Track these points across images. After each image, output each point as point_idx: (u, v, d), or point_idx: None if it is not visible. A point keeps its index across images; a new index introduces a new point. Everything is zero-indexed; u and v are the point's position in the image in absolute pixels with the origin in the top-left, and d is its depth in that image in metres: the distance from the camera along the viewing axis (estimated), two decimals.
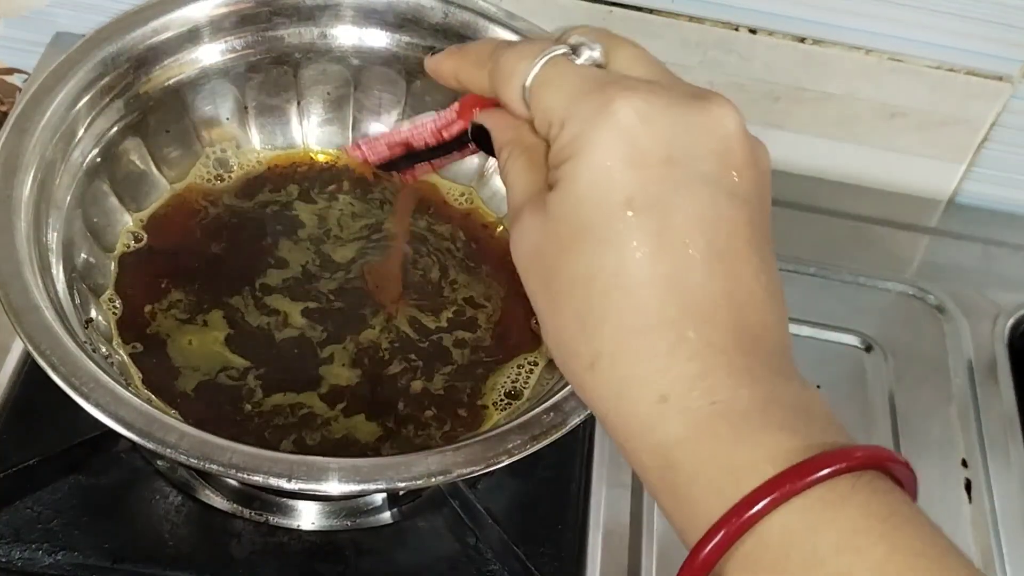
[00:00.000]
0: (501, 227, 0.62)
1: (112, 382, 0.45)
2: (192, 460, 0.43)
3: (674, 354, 0.34)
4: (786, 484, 0.32)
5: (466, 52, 0.42)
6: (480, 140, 0.42)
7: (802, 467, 0.32)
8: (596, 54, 0.38)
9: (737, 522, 0.32)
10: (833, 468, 0.32)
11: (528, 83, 0.37)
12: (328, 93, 0.64)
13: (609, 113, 0.34)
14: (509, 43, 0.40)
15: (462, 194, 0.63)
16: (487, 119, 0.41)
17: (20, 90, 0.80)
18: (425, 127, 0.46)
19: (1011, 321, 0.72)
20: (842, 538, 0.31)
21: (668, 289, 0.34)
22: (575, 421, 0.47)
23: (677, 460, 0.34)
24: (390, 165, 0.48)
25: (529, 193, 0.37)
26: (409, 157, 0.47)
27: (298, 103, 0.64)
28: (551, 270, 0.36)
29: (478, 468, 0.45)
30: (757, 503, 0.32)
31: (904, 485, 0.34)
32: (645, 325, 0.34)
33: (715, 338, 0.34)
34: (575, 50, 0.38)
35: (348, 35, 0.63)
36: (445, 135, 0.45)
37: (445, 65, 0.42)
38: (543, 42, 0.38)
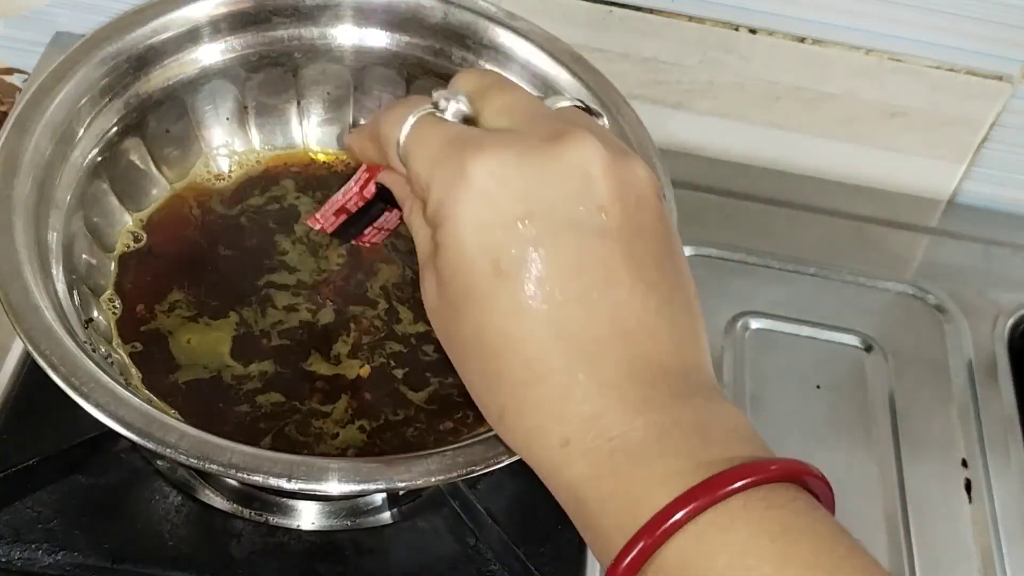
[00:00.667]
0: None
1: (112, 382, 0.45)
2: (192, 460, 0.43)
3: (568, 399, 0.35)
4: (696, 499, 0.32)
5: (361, 128, 0.44)
6: (388, 198, 0.44)
7: (691, 493, 0.32)
8: (462, 106, 0.39)
9: (629, 557, 0.33)
10: (726, 489, 0.32)
11: (400, 146, 0.39)
12: (328, 93, 0.64)
13: (464, 180, 0.35)
14: (389, 107, 0.41)
15: None
16: (386, 177, 0.43)
17: (20, 90, 0.80)
18: (351, 190, 0.48)
19: (1011, 321, 0.72)
20: (733, 559, 0.32)
21: (551, 339, 0.35)
22: None
23: (585, 498, 0.35)
24: (342, 232, 0.50)
25: (429, 251, 0.39)
26: (353, 221, 0.49)
27: (298, 103, 0.64)
28: (449, 331, 0.38)
29: (478, 468, 0.45)
30: (643, 538, 0.33)
31: (820, 497, 0.34)
32: (535, 377, 0.35)
33: (607, 376, 0.35)
34: (438, 106, 0.39)
35: (348, 35, 0.63)
36: (366, 195, 0.47)
37: (352, 142, 0.44)
38: (414, 102, 0.40)
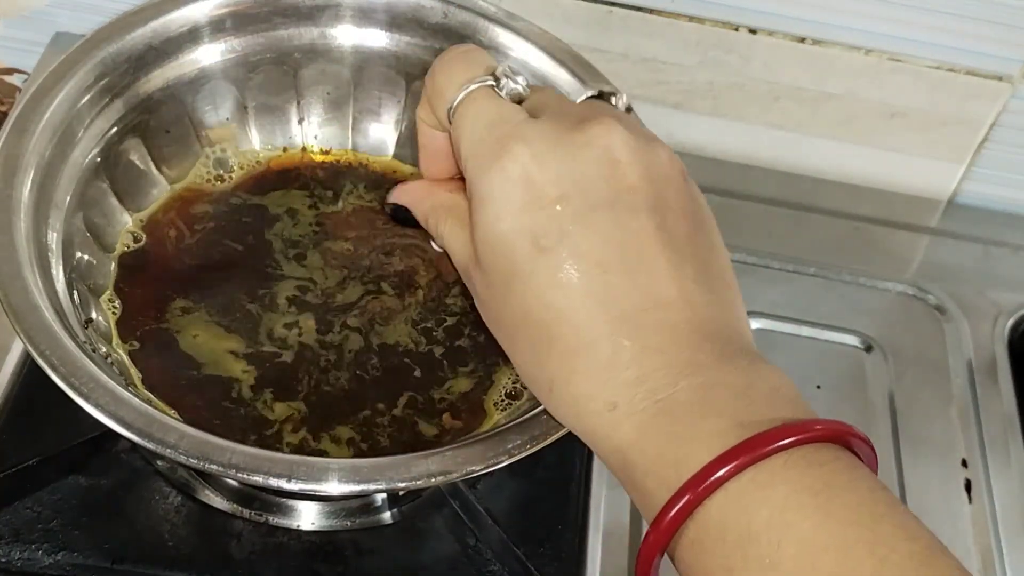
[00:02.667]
0: None
1: (112, 382, 0.45)
2: (192, 460, 0.43)
3: (613, 365, 0.36)
4: (739, 456, 0.33)
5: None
6: (401, 218, 0.44)
7: (733, 451, 0.33)
8: (519, 88, 0.41)
9: (671, 513, 0.34)
10: (768, 448, 0.33)
11: (452, 108, 0.41)
12: (328, 93, 0.64)
13: (501, 166, 0.38)
14: (450, 58, 0.43)
15: None
16: (402, 196, 0.46)
17: (20, 90, 0.80)
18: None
19: (1011, 321, 0.72)
20: (773, 514, 0.32)
21: (594, 308, 0.37)
22: None
23: (632, 460, 0.36)
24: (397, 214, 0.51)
25: (467, 252, 0.41)
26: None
27: (298, 103, 0.64)
28: (499, 314, 0.39)
29: (478, 468, 0.45)
30: (685, 493, 0.34)
31: (863, 459, 0.35)
32: (582, 345, 0.37)
33: (650, 341, 0.36)
34: (498, 81, 0.41)
35: (348, 35, 0.63)
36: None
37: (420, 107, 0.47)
38: (475, 62, 0.42)
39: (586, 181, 0.37)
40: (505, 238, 0.38)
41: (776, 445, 0.33)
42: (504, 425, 0.48)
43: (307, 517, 0.55)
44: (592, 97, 0.44)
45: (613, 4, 0.71)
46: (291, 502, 0.55)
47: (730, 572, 0.33)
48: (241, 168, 0.63)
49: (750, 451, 0.33)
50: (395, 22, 0.62)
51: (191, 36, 0.59)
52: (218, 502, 0.55)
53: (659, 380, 0.36)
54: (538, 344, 0.38)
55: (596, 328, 0.36)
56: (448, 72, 0.42)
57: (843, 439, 0.34)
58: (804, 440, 0.33)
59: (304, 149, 0.64)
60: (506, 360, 0.57)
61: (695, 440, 0.35)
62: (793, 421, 0.34)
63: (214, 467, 0.43)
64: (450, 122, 0.41)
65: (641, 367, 0.36)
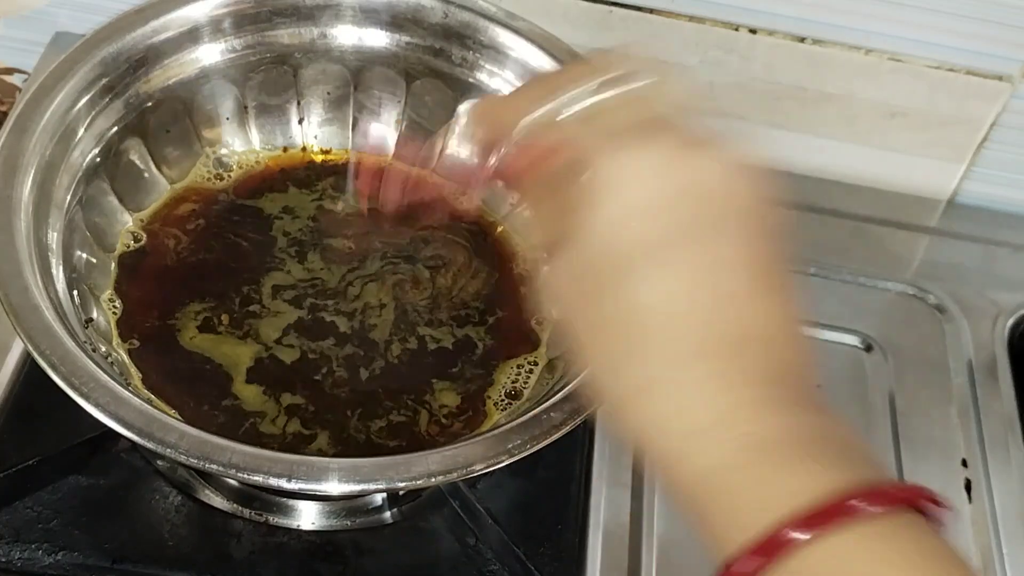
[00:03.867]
0: (501, 228, 0.62)
1: (112, 382, 0.45)
2: (192, 460, 0.43)
3: (709, 386, 0.35)
4: (823, 518, 0.32)
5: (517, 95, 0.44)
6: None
7: (839, 503, 0.32)
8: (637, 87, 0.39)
9: (763, 556, 0.33)
10: (871, 505, 0.32)
11: (573, 114, 0.39)
12: (328, 93, 0.64)
13: (622, 164, 0.36)
14: (566, 66, 0.41)
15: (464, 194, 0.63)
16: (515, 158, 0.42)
17: (20, 90, 0.80)
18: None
19: (1011, 321, 0.72)
20: (872, 569, 0.32)
21: (696, 326, 0.35)
22: (575, 421, 0.47)
23: (713, 489, 0.35)
24: None
25: (558, 231, 0.38)
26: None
27: (298, 103, 0.64)
28: (588, 307, 0.37)
29: (478, 468, 0.45)
30: (790, 534, 0.32)
31: (936, 517, 0.35)
32: (681, 358, 0.35)
33: (747, 371, 0.35)
34: (617, 81, 0.39)
35: (348, 35, 0.63)
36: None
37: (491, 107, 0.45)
38: (592, 69, 0.40)
39: (707, 197, 0.37)
40: (620, 234, 0.36)
41: (862, 510, 0.33)
42: (504, 425, 0.48)
43: (307, 517, 0.55)
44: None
45: (613, 4, 0.71)
46: (291, 502, 0.55)
47: None
48: (241, 168, 0.63)
49: (837, 515, 0.32)
50: (395, 22, 0.62)
51: (191, 36, 0.59)
52: (218, 502, 0.55)
53: (750, 413, 0.35)
54: (630, 346, 0.36)
55: (693, 346, 0.35)
56: (569, 72, 0.41)
57: (917, 503, 0.34)
58: (887, 506, 0.33)
59: (304, 149, 0.64)
60: (507, 358, 0.57)
61: (793, 480, 0.34)
62: (876, 483, 0.34)
63: (214, 467, 0.43)
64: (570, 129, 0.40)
65: (733, 396, 0.35)
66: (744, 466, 0.34)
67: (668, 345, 0.36)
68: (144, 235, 0.59)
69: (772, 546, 0.33)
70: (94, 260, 0.56)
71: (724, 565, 0.34)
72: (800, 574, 0.33)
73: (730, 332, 0.36)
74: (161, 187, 0.60)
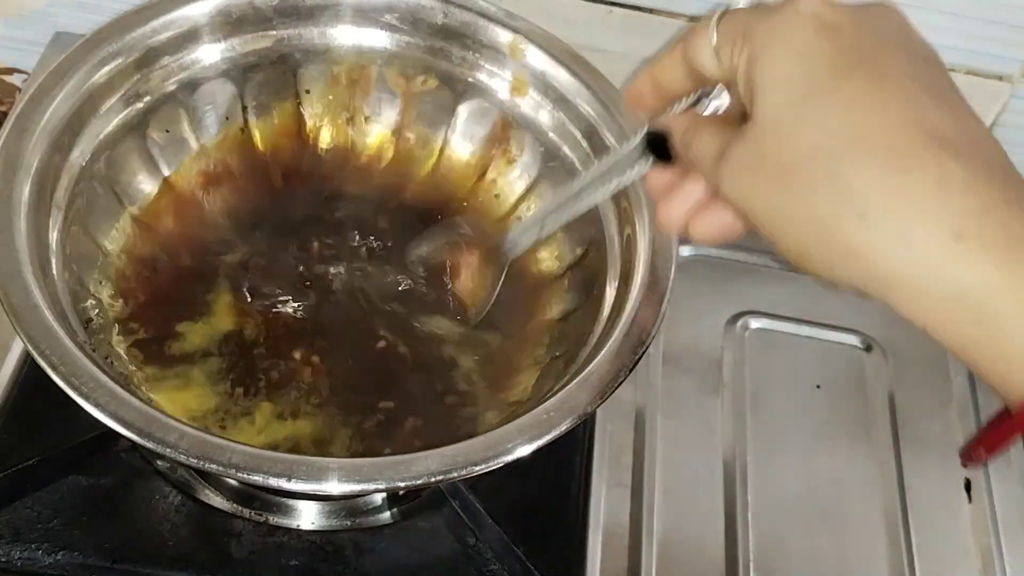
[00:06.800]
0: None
1: (112, 382, 0.45)
2: (192, 460, 0.43)
3: (947, 187, 0.32)
4: None
5: (654, 61, 0.43)
6: (656, 148, 0.43)
7: None
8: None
9: None
10: None
11: (712, 34, 0.38)
12: (328, 93, 0.64)
13: (792, 8, 0.36)
14: (676, 44, 0.41)
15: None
16: (661, 123, 0.43)
17: (20, 90, 0.80)
18: None
19: None
20: None
21: (911, 126, 0.33)
22: (575, 421, 0.47)
23: (996, 307, 0.32)
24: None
25: (722, 144, 0.38)
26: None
27: (298, 103, 0.64)
28: (781, 159, 0.35)
29: (478, 468, 0.45)
30: None
31: None
32: (904, 163, 0.33)
33: (976, 170, 0.33)
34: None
35: (348, 35, 0.63)
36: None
37: (639, 83, 0.43)
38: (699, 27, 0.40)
39: (878, 25, 0.36)
40: (803, 60, 0.35)
41: None
42: (504, 425, 0.48)
43: (307, 517, 0.55)
44: None
45: (613, 4, 0.71)
46: (291, 502, 0.55)
47: None
48: (241, 167, 0.63)
49: None
50: (395, 22, 0.62)
51: (191, 36, 0.59)
52: (218, 502, 0.55)
53: (1007, 214, 0.31)
54: (843, 167, 0.33)
55: (916, 147, 0.32)
56: (698, 26, 0.40)
57: None
58: None
59: (304, 148, 0.64)
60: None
61: None
62: None
63: (214, 466, 0.43)
64: (716, 54, 0.39)
65: (980, 196, 0.32)
66: (1008, 282, 0.31)
67: (874, 160, 0.33)
68: (144, 234, 0.59)
69: None
70: (94, 259, 0.56)
71: (1015, 410, 0.32)
72: None
73: (938, 134, 0.33)
74: (161, 187, 0.60)
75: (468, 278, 0.58)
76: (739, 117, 0.38)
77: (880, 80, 0.34)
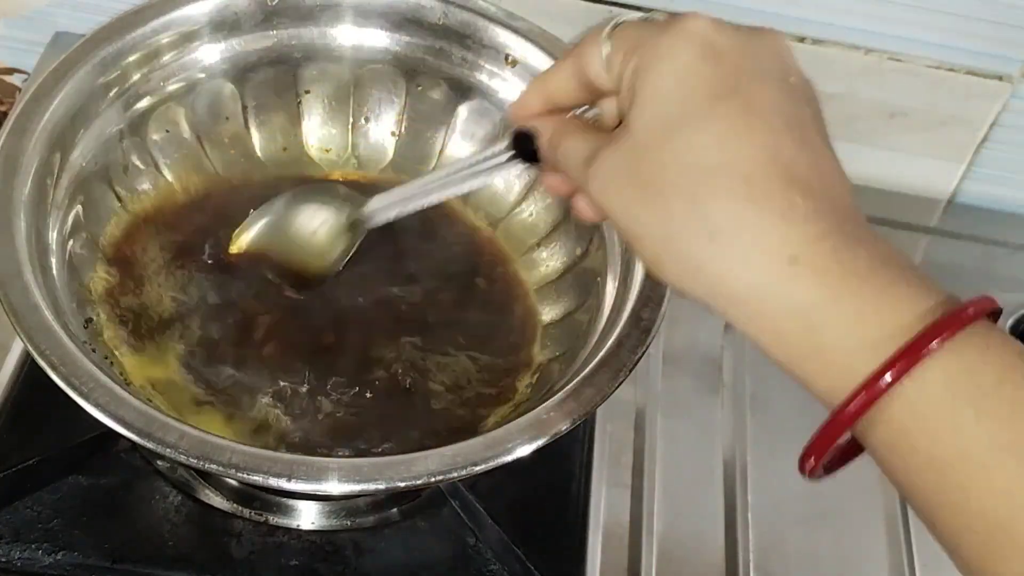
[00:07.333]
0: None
1: (112, 382, 0.45)
2: (192, 460, 0.43)
3: (789, 218, 0.35)
4: (937, 336, 0.33)
5: (546, 73, 0.45)
6: (522, 148, 0.45)
7: (945, 321, 0.34)
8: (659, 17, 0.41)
9: (879, 384, 0.34)
10: (969, 320, 0.34)
11: (605, 44, 0.40)
12: (328, 93, 0.64)
13: (682, 26, 0.38)
14: (571, 49, 0.43)
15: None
16: (530, 123, 0.44)
17: (20, 90, 0.80)
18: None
19: (1011, 321, 0.72)
20: (1002, 373, 0.33)
21: (767, 161, 0.36)
22: (575, 421, 0.47)
23: (820, 322, 0.35)
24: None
25: (592, 147, 0.40)
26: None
27: (298, 103, 0.64)
28: (646, 173, 0.37)
29: (478, 468, 0.45)
30: (916, 356, 0.33)
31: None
32: (755, 194, 0.36)
33: (819, 204, 0.36)
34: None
35: (348, 35, 0.63)
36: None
37: (529, 95, 0.45)
38: (597, 29, 0.41)
39: (760, 55, 0.38)
40: (682, 82, 0.37)
41: (971, 316, 0.34)
42: (504, 425, 0.48)
43: (307, 517, 0.55)
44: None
45: (613, 4, 0.71)
46: (291, 501, 0.55)
47: (937, 436, 0.34)
48: (241, 168, 0.63)
49: (946, 328, 0.33)
50: (395, 22, 0.62)
51: (191, 36, 0.59)
52: (218, 502, 0.55)
53: (839, 240, 0.35)
54: (700, 191, 0.36)
55: (768, 180, 0.36)
56: (590, 35, 0.42)
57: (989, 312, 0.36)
58: (970, 319, 0.34)
59: (304, 148, 0.64)
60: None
61: (902, 305, 0.34)
62: (962, 302, 0.35)
63: (214, 467, 0.43)
64: (606, 64, 0.41)
65: (819, 224, 0.35)
66: (850, 296, 0.35)
67: (729, 187, 0.36)
68: (144, 234, 0.59)
69: (901, 364, 0.33)
70: (94, 260, 0.56)
71: (853, 393, 0.35)
72: (928, 390, 0.34)
73: (790, 170, 0.36)
74: (161, 187, 0.60)
75: (323, 239, 0.58)
76: (611, 126, 0.41)
77: (748, 112, 0.36)
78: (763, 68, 0.38)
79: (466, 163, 0.49)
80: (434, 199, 0.51)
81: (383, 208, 0.55)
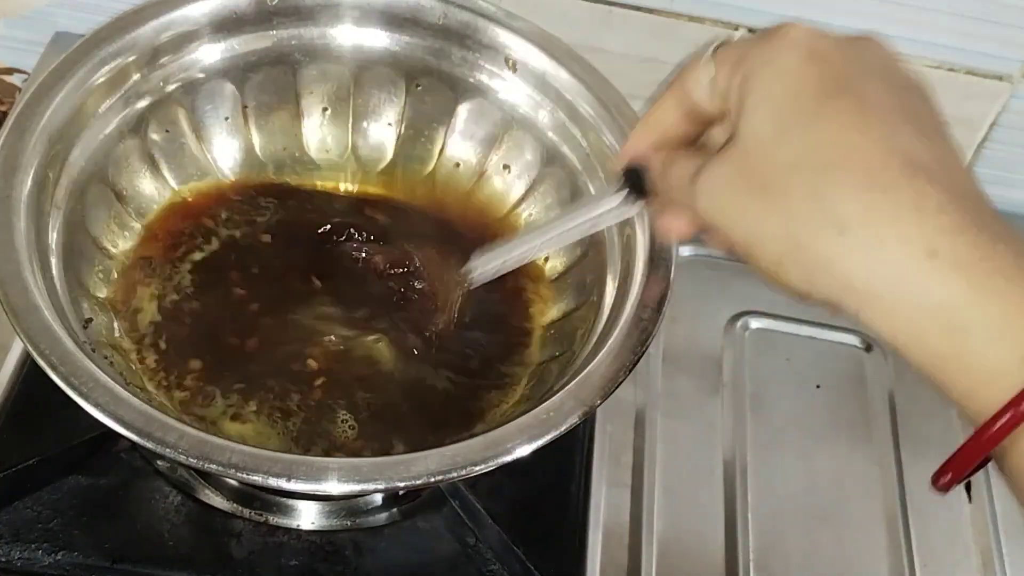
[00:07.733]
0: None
1: (112, 382, 0.45)
2: (192, 460, 0.43)
3: (922, 208, 0.34)
4: None
5: (649, 110, 0.44)
6: (634, 185, 0.45)
7: None
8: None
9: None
10: None
11: (708, 66, 0.40)
12: (328, 93, 0.64)
13: (783, 33, 0.38)
14: (675, 79, 0.43)
15: None
16: (638, 159, 0.44)
17: (20, 90, 0.80)
18: None
19: None
20: None
21: (888, 151, 0.35)
22: (575, 421, 0.47)
23: (963, 324, 0.33)
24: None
25: (698, 164, 0.39)
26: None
27: (298, 103, 0.64)
28: (761, 176, 0.36)
29: (478, 468, 0.45)
30: None
31: None
32: (880, 184, 0.34)
33: (950, 194, 0.34)
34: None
35: (348, 35, 0.63)
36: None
37: (636, 134, 0.45)
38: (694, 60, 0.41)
39: (865, 58, 0.38)
40: (790, 85, 0.36)
41: None
42: (504, 425, 0.48)
43: (307, 517, 0.55)
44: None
45: (613, 4, 0.71)
46: (291, 502, 0.55)
47: None
48: (241, 168, 0.63)
49: None
50: (395, 22, 0.62)
51: (191, 36, 0.59)
52: (218, 502, 0.55)
53: (977, 235, 0.33)
54: (823, 185, 0.34)
55: (893, 170, 0.34)
56: (691, 64, 0.42)
57: None
58: None
59: (304, 148, 0.64)
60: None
61: None
62: None
63: (214, 467, 0.43)
64: (712, 88, 0.41)
65: (954, 216, 0.33)
66: (998, 296, 0.33)
67: (853, 180, 0.34)
68: (144, 234, 0.59)
69: None
70: (94, 260, 0.56)
71: (1006, 405, 0.33)
72: None
73: (912, 161, 0.34)
74: (161, 187, 0.60)
75: (430, 301, 0.58)
76: (716, 148, 0.40)
77: (861, 106, 0.36)
78: (870, 67, 0.37)
79: (575, 213, 0.49)
80: (541, 252, 0.52)
81: (486, 266, 0.54)
